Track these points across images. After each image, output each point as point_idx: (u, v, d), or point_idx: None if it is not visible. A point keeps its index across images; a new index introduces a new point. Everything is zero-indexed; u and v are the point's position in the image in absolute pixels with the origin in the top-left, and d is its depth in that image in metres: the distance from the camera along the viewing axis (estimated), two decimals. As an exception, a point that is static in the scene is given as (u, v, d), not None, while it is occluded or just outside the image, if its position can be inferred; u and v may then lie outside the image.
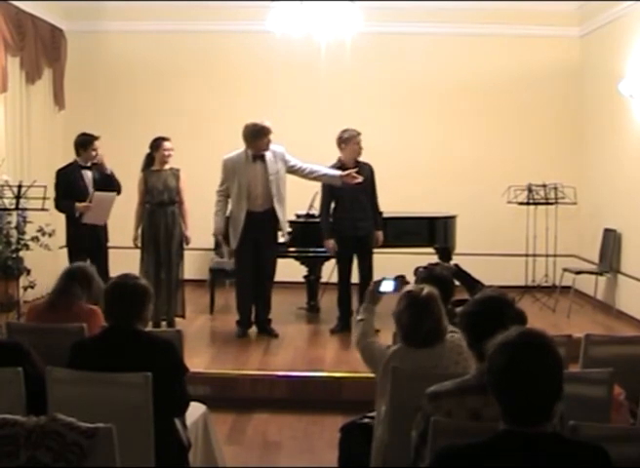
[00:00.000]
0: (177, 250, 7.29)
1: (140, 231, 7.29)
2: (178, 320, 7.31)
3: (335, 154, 10.00)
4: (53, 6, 9.27)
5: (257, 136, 6.98)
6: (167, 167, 7.33)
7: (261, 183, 7.06)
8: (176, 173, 7.35)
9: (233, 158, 7.10)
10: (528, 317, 2.94)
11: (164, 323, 7.22)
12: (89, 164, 7.18)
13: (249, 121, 7.09)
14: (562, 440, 2.09)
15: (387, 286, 3.95)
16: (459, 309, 3.03)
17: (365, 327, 3.85)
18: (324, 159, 9.70)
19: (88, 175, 7.18)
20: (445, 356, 3.37)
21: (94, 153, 7.15)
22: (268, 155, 7.10)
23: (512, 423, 2.09)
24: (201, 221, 8.34)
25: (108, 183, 7.19)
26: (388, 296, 3.96)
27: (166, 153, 7.28)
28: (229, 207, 7.24)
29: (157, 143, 7.31)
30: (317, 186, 8.14)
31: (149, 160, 7.35)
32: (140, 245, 7.28)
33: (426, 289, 3.49)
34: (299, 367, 6.28)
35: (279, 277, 9.14)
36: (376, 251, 8.17)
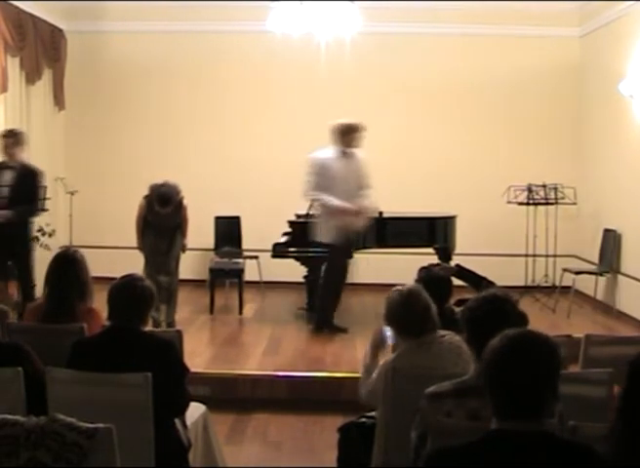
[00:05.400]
0: (176, 256, 7.30)
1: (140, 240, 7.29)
2: (178, 320, 7.31)
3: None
4: (53, 6, 9.27)
5: (346, 133, 7.18)
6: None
7: (351, 180, 7.16)
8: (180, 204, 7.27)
9: (323, 155, 7.21)
10: (529, 318, 2.94)
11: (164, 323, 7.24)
12: (12, 164, 6.81)
13: (341, 120, 7.24)
14: (553, 439, 2.09)
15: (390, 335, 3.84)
16: (460, 308, 3.03)
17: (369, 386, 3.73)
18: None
19: (6, 174, 6.78)
20: (444, 357, 3.39)
21: None
22: (357, 154, 7.24)
23: (502, 419, 2.09)
24: (201, 222, 8.36)
25: (27, 188, 6.76)
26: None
27: None
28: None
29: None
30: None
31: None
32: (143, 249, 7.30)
33: (409, 284, 3.68)
34: (299, 367, 6.28)
35: (279, 277, 9.18)
36: (376, 251, 8.20)
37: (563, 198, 8.94)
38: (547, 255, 9.25)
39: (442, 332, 3.50)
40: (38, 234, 7.83)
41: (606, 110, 8.85)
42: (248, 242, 9.36)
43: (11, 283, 7.53)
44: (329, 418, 5.29)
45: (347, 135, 7.16)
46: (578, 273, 8.49)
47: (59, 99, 9.59)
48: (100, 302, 3.97)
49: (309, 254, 7.89)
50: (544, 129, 9.80)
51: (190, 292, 8.56)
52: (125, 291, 3.49)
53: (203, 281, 8.76)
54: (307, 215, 8.01)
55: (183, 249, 7.39)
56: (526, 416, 2.07)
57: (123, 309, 3.46)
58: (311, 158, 7.19)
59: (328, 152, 7.21)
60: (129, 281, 3.54)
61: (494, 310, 2.78)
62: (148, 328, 4.12)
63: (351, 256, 7.44)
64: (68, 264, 4.22)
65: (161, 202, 7.04)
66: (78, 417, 2.54)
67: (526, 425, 2.06)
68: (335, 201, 7.07)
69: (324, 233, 7.21)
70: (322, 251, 7.46)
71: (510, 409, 2.08)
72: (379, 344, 3.83)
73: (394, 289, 3.66)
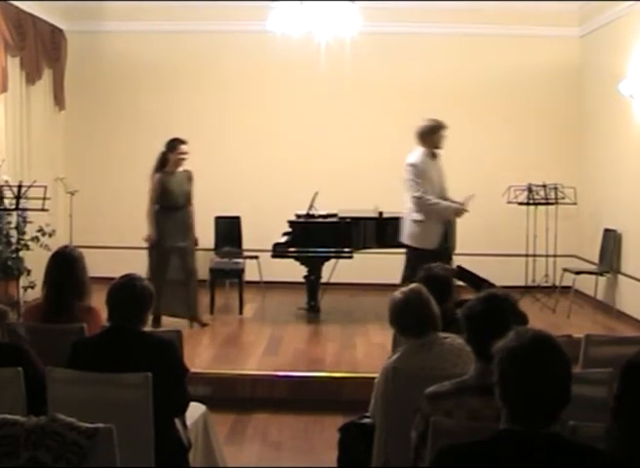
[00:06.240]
0: (191, 250, 7.33)
1: (154, 231, 7.26)
2: (178, 321, 7.29)
3: (333, 153, 10.05)
4: (53, 6, 9.27)
5: (433, 133, 7.00)
6: (180, 169, 7.33)
7: (441, 180, 7.08)
8: (189, 175, 7.37)
9: (420, 159, 7.02)
10: (528, 317, 2.94)
11: (175, 318, 7.23)
12: None
13: (424, 121, 7.04)
14: (562, 440, 2.09)
15: None
16: (460, 309, 3.03)
17: None
18: (322, 158, 9.73)
19: None
20: (444, 358, 3.39)
21: None
22: (440, 154, 7.11)
23: (515, 422, 2.08)
24: (201, 222, 8.34)
25: None
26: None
27: (181, 156, 7.27)
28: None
29: (173, 145, 7.28)
30: (317, 186, 8.17)
31: (163, 160, 7.31)
32: (152, 244, 7.27)
33: (411, 285, 3.69)
34: (299, 367, 6.28)
35: (279, 277, 9.18)
36: (376, 251, 8.21)
37: (563, 198, 8.94)
38: (547, 255, 9.25)
39: (444, 335, 3.50)
40: (38, 234, 7.83)
41: (606, 110, 8.85)
42: (248, 242, 9.36)
43: (11, 283, 7.55)
44: (329, 418, 5.30)
45: (434, 135, 6.99)
46: (578, 273, 8.49)
47: (59, 99, 9.59)
48: (99, 302, 3.97)
49: (309, 254, 7.90)
50: (544, 129, 9.80)
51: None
52: (124, 291, 3.48)
53: (203, 281, 8.74)
54: (308, 215, 8.02)
55: (196, 242, 7.44)
56: (542, 421, 2.06)
57: (122, 309, 3.46)
58: (411, 163, 6.96)
59: (421, 155, 7.01)
60: (127, 281, 3.53)
61: (493, 309, 2.78)
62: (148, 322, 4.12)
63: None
64: (65, 262, 4.23)
65: (171, 144, 7.19)
66: (78, 417, 2.55)
67: (538, 427, 2.06)
68: (449, 204, 6.96)
69: (426, 239, 6.98)
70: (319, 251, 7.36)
71: (527, 415, 2.07)
72: None
73: (398, 290, 3.67)
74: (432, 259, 6.90)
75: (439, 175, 7.09)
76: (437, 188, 7.01)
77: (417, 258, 6.93)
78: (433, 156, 7.04)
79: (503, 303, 2.83)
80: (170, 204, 7.27)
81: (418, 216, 6.96)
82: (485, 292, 2.91)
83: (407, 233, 7.10)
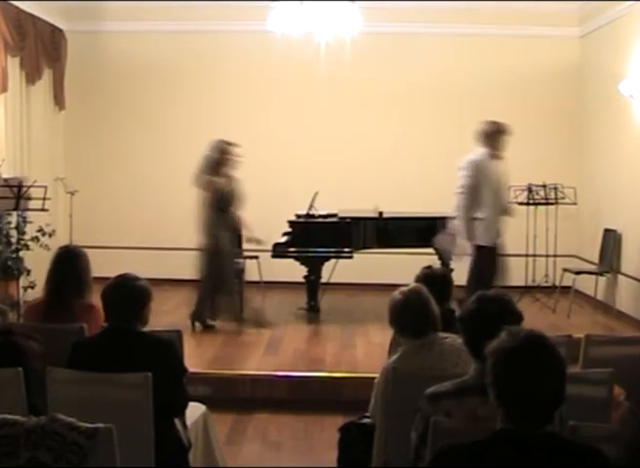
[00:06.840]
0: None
1: (214, 237, 7.24)
2: (178, 320, 7.29)
3: (333, 153, 10.04)
4: (53, 6, 9.27)
5: (494, 135, 7.10)
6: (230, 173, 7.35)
7: (499, 182, 7.10)
8: (234, 177, 7.40)
9: (476, 157, 7.10)
10: (528, 317, 2.94)
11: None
12: None
13: (489, 120, 7.15)
14: (560, 440, 2.09)
15: None
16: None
17: None
18: (322, 158, 9.73)
19: None
20: (444, 358, 3.39)
21: None
22: (502, 156, 7.16)
23: (514, 424, 2.08)
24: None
25: None
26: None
27: (230, 157, 7.31)
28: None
29: (222, 147, 7.29)
30: (317, 186, 8.16)
31: (213, 163, 7.27)
32: (213, 249, 7.24)
33: (411, 284, 3.69)
34: (299, 367, 6.28)
35: (279, 277, 9.16)
36: (376, 251, 8.20)
37: (563, 198, 8.94)
38: (547, 255, 9.25)
39: (444, 335, 3.50)
40: (38, 234, 7.83)
41: (606, 110, 8.85)
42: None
43: (11, 283, 7.55)
44: (329, 418, 5.30)
45: (492, 137, 7.08)
46: (578, 273, 8.49)
47: (59, 99, 9.59)
48: (99, 303, 3.97)
49: (309, 254, 7.90)
50: (544, 129, 9.79)
51: (190, 291, 8.54)
52: (118, 291, 3.48)
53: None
54: (308, 215, 8.02)
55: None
56: (538, 420, 2.06)
57: (119, 310, 3.46)
58: (468, 160, 7.07)
59: (480, 153, 7.09)
60: (121, 281, 3.52)
61: (487, 309, 2.79)
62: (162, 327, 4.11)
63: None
64: (68, 260, 4.23)
65: (219, 147, 7.23)
66: (78, 417, 2.55)
67: (535, 427, 2.06)
68: (463, 228, 7.04)
69: (487, 235, 7.18)
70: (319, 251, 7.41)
71: (522, 415, 2.07)
72: None
73: (398, 290, 3.67)
74: (494, 255, 7.01)
75: (498, 176, 7.09)
76: (494, 188, 7.05)
77: (481, 256, 6.98)
78: (493, 157, 7.07)
79: (498, 303, 2.83)
80: (223, 206, 7.27)
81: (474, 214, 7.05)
82: (479, 293, 2.92)
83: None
